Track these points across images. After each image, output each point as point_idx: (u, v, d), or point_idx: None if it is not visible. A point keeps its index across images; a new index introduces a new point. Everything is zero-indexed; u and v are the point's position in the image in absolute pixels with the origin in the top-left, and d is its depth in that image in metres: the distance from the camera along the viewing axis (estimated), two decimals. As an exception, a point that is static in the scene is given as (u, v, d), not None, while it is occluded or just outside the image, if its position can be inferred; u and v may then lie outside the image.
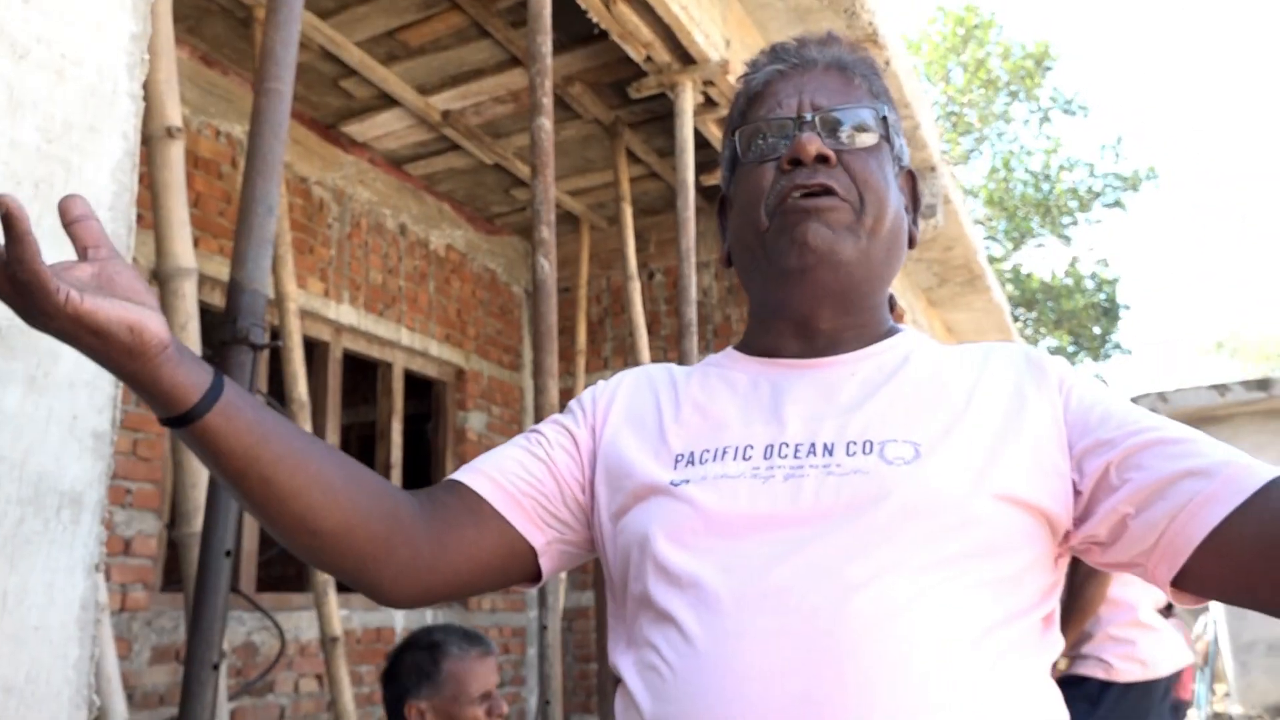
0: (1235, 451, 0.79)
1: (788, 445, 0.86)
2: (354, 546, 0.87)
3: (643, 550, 0.86)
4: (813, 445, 0.85)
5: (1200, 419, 10.87)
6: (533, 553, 0.95)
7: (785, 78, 0.97)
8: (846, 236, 0.89)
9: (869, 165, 0.92)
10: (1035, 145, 18.40)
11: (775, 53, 1.00)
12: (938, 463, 0.82)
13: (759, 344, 0.98)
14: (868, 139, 0.93)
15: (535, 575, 0.98)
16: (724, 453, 0.88)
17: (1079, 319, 16.95)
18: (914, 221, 1.01)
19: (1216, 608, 10.78)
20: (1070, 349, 17.29)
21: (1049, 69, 17.50)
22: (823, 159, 0.90)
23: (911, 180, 1.02)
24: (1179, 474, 0.77)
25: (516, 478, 0.95)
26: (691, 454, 0.89)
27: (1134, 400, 10.91)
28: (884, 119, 0.95)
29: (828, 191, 0.89)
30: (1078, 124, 29.41)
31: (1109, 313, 17.28)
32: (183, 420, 0.79)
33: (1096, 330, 17.26)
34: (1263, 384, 10.26)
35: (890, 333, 0.97)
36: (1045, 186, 17.55)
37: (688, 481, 0.87)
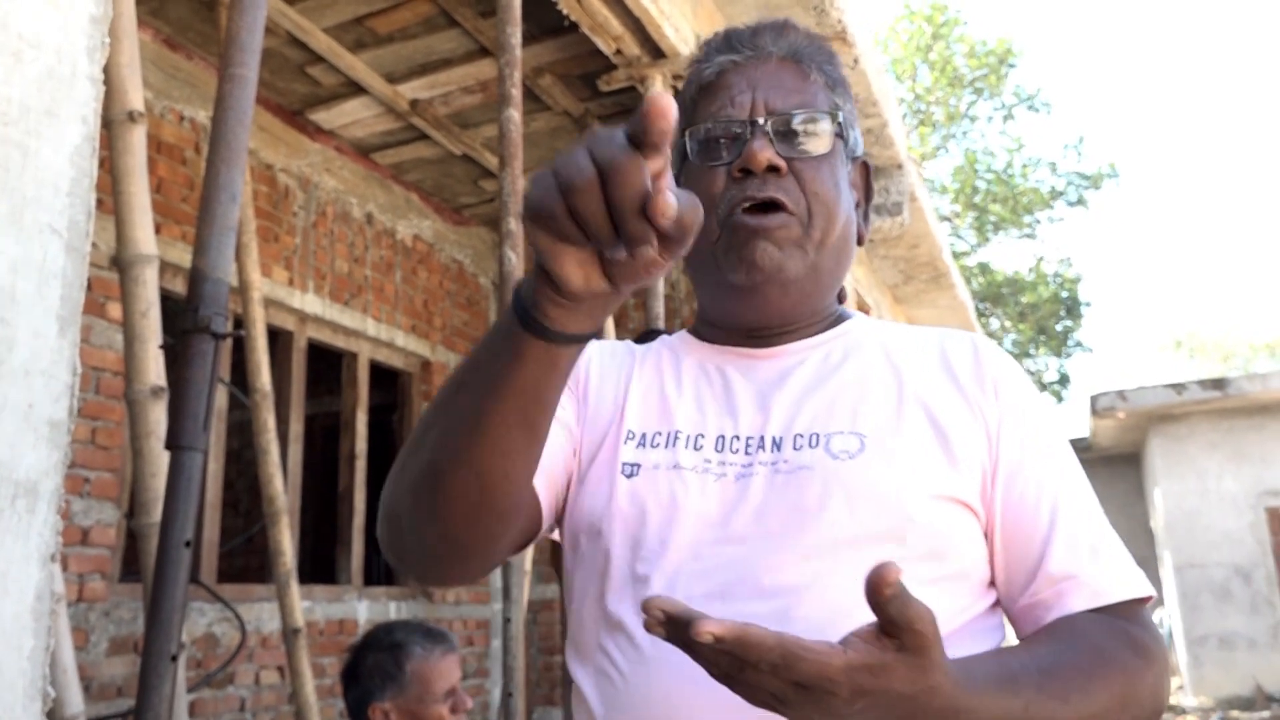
0: (1093, 550, 0.84)
1: (739, 439, 0.87)
2: (492, 530, 0.78)
3: (594, 545, 0.87)
4: (761, 439, 0.86)
5: (1157, 417, 11.06)
6: (537, 531, 0.92)
7: (739, 70, 0.93)
8: (794, 253, 0.88)
9: (820, 174, 0.90)
10: (999, 143, 18.61)
11: (729, 40, 0.96)
12: (882, 460, 0.83)
13: (708, 332, 0.98)
14: (821, 145, 0.91)
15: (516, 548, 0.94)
16: (675, 438, 0.89)
17: (1043, 313, 17.17)
18: (865, 216, 0.99)
19: (1171, 603, 10.99)
20: (1033, 345, 17.51)
21: (1012, 66, 17.68)
22: (773, 169, 0.88)
23: (865, 171, 1.00)
24: (1045, 573, 0.83)
25: (553, 462, 0.90)
26: (644, 435, 0.90)
27: (1094, 399, 11.02)
28: (838, 118, 0.92)
29: (776, 205, 0.88)
30: (1041, 121, 29.76)
31: (1071, 310, 17.52)
32: (591, 335, 0.68)
33: (1059, 328, 17.50)
34: (1218, 383, 10.45)
35: (839, 320, 0.97)
36: (1009, 184, 17.74)
37: (639, 467, 0.87)
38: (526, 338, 0.66)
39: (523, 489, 0.77)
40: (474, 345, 0.75)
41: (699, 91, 0.95)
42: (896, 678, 0.60)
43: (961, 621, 0.81)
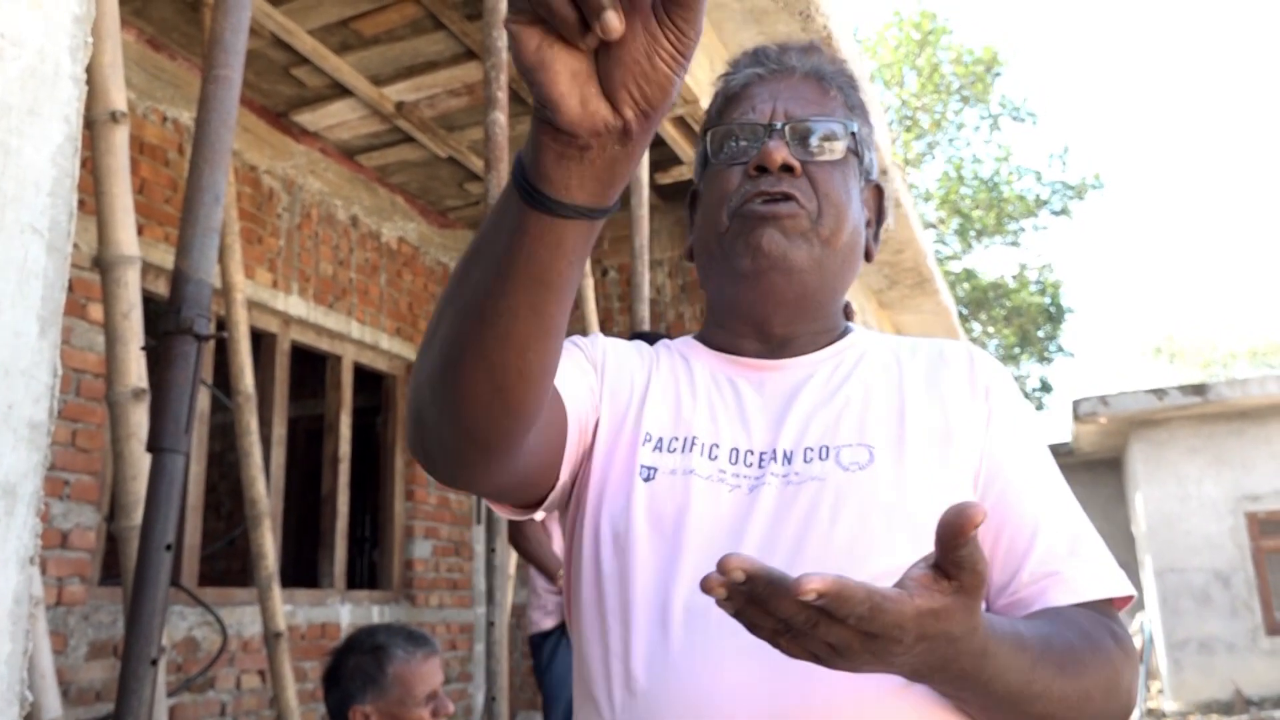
0: (1074, 544, 0.86)
1: (752, 452, 0.89)
2: (510, 429, 0.72)
3: (616, 554, 0.87)
4: (774, 452, 0.88)
5: (1138, 422, 11.14)
6: (551, 488, 0.89)
7: (763, 82, 0.98)
8: (800, 243, 0.91)
9: (833, 178, 0.94)
10: (986, 152, 18.74)
11: (756, 56, 1.01)
12: (891, 470, 0.85)
13: (717, 340, 0.99)
14: (835, 152, 0.94)
15: (528, 507, 0.92)
16: (691, 444, 0.90)
17: (1026, 317, 17.28)
18: (874, 236, 1.02)
19: (1151, 607, 11.06)
20: (1016, 349, 17.60)
21: (998, 75, 17.79)
22: (788, 168, 0.91)
23: (878, 194, 1.04)
24: (1030, 571, 0.85)
25: (581, 397, 0.89)
26: (660, 439, 0.91)
27: (1076, 404, 11.09)
28: (854, 133, 0.96)
29: (787, 199, 0.91)
30: (1026, 130, 29.96)
31: (1054, 316, 17.63)
32: (600, 211, 0.61)
33: (1041, 334, 17.60)
34: (1199, 389, 10.54)
35: (844, 334, 1.00)
36: (994, 192, 17.84)
37: (656, 471, 0.88)
38: (527, 211, 0.59)
39: (538, 386, 0.70)
40: (479, 231, 0.67)
41: (725, 101, 1.00)
42: (954, 620, 0.61)
43: None
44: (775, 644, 0.62)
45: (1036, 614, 0.82)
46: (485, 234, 0.65)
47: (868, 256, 1.01)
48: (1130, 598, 0.86)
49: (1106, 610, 0.84)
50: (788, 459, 0.87)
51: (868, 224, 1.01)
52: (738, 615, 0.60)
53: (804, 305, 0.94)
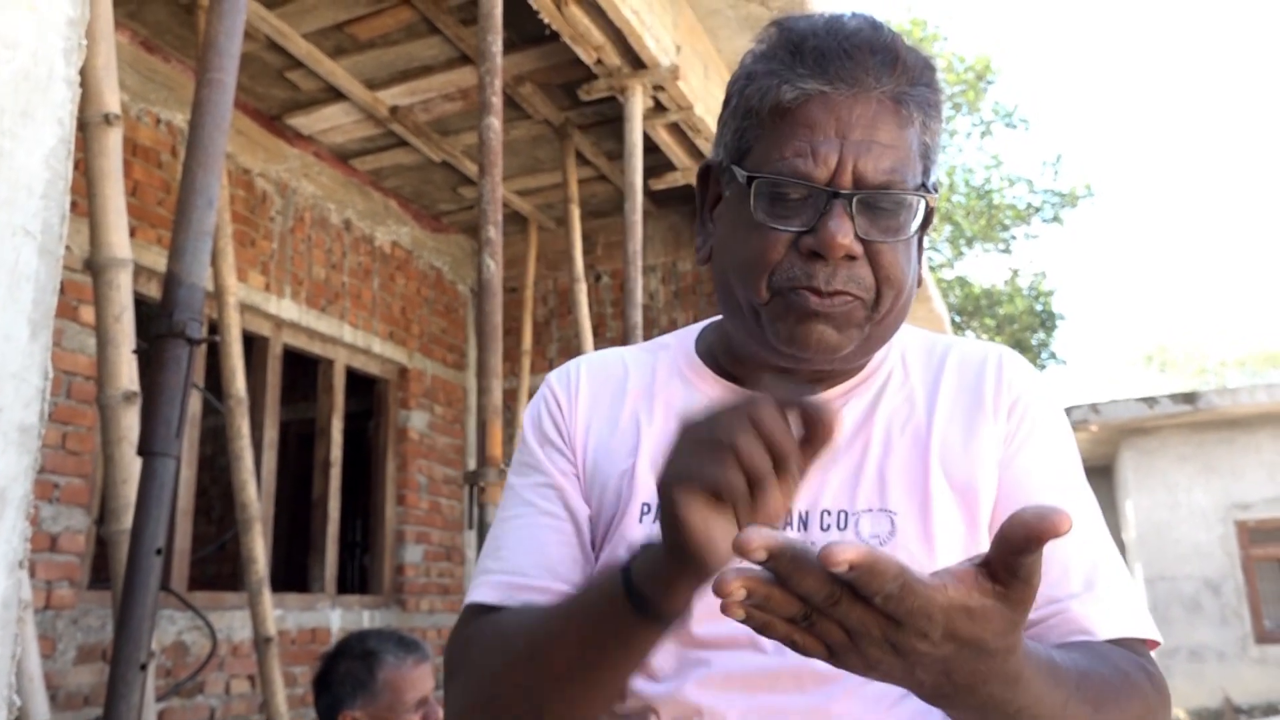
0: (1091, 576, 0.80)
1: None
2: None
3: None
4: (788, 514, 0.80)
5: (1129, 431, 11.17)
6: None
7: (827, 104, 0.78)
8: (852, 333, 0.81)
9: (899, 257, 0.80)
10: (978, 160, 18.80)
11: (821, 63, 0.78)
12: (915, 544, 0.79)
13: (729, 369, 0.91)
14: (906, 229, 0.80)
15: None
16: None
17: (1018, 325, 17.33)
18: (920, 256, 0.89)
19: (1142, 614, 11.09)
20: (1008, 359, 17.66)
21: (990, 83, 17.87)
22: (850, 257, 0.78)
23: (929, 215, 0.88)
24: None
25: (569, 572, 0.87)
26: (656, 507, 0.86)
27: (1067, 411, 11.11)
28: (929, 188, 0.82)
29: (844, 295, 0.79)
30: (1018, 137, 30.07)
31: (1045, 323, 17.69)
32: (671, 617, 0.68)
33: (1033, 341, 17.66)
34: (1189, 398, 10.58)
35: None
36: (986, 200, 17.91)
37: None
38: (646, 625, 0.67)
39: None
40: (567, 611, 0.74)
41: (771, 114, 0.80)
42: (991, 628, 0.56)
43: None
44: (789, 642, 0.58)
45: (1071, 645, 0.75)
46: (583, 631, 0.71)
47: (918, 284, 0.89)
48: (1156, 643, 0.79)
49: (1139, 649, 0.78)
50: (804, 523, 0.80)
51: (919, 252, 0.89)
52: (749, 618, 0.56)
53: (839, 368, 0.86)
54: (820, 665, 0.61)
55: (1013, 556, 0.53)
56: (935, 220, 0.97)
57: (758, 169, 0.80)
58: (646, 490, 0.84)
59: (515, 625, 0.79)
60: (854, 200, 0.77)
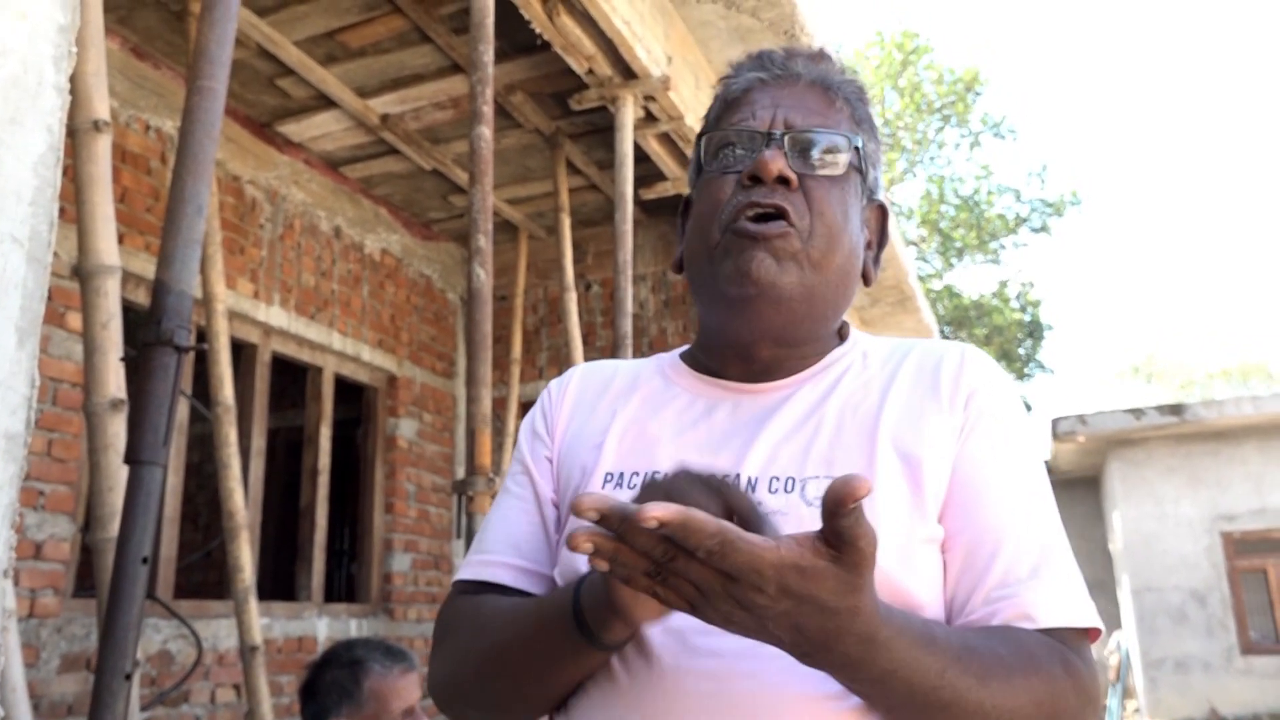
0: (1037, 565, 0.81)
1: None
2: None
3: (570, 569, 0.87)
4: (736, 478, 0.84)
5: (1116, 442, 11.23)
6: None
7: (765, 88, 0.93)
8: (790, 267, 0.87)
9: (830, 194, 0.89)
10: (966, 170, 18.90)
11: (760, 60, 0.96)
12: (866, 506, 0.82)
13: (705, 361, 0.97)
14: (836, 166, 0.90)
15: None
16: (651, 477, 0.87)
17: (1007, 335, 17.40)
18: (875, 259, 0.98)
19: (1128, 626, 11.13)
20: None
21: (979, 95, 17.97)
22: (783, 180, 0.87)
23: (881, 215, 0.99)
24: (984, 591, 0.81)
25: (541, 556, 0.94)
26: (621, 474, 0.90)
27: (1054, 422, 11.11)
28: (858, 148, 0.92)
29: (780, 214, 0.87)
30: (1006, 147, 30.23)
31: (1034, 332, 17.77)
32: (611, 647, 0.78)
33: (1022, 351, 17.73)
34: (1176, 409, 10.63)
35: (834, 348, 0.95)
36: (975, 211, 18.00)
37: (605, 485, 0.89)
38: (590, 648, 0.77)
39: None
40: (528, 619, 0.83)
41: (724, 105, 0.96)
42: (824, 587, 0.60)
43: None
44: (653, 594, 0.64)
45: (977, 627, 0.78)
46: (534, 645, 0.81)
47: (865, 280, 0.96)
48: (1097, 631, 0.81)
49: (1069, 639, 0.79)
50: (752, 487, 0.84)
51: (868, 246, 0.96)
52: (612, 570, 0.62)
53: (790, 333, 0.90)
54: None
55: (832, 521, 0.58)
56: (888, 231, 1.04)
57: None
58: (611, 461, 0.91)
59: (487, 617, 0.87)
60: (785, 138, 0.89)
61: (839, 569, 0.60)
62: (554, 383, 1.04)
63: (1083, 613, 0.80)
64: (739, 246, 0.87)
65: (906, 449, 0.84)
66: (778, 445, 0.86)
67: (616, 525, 0.59)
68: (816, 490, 0.82)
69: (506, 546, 0.94)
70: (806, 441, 0.86)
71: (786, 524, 0.80)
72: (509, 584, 0.92)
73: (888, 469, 0.83)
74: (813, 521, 0.78)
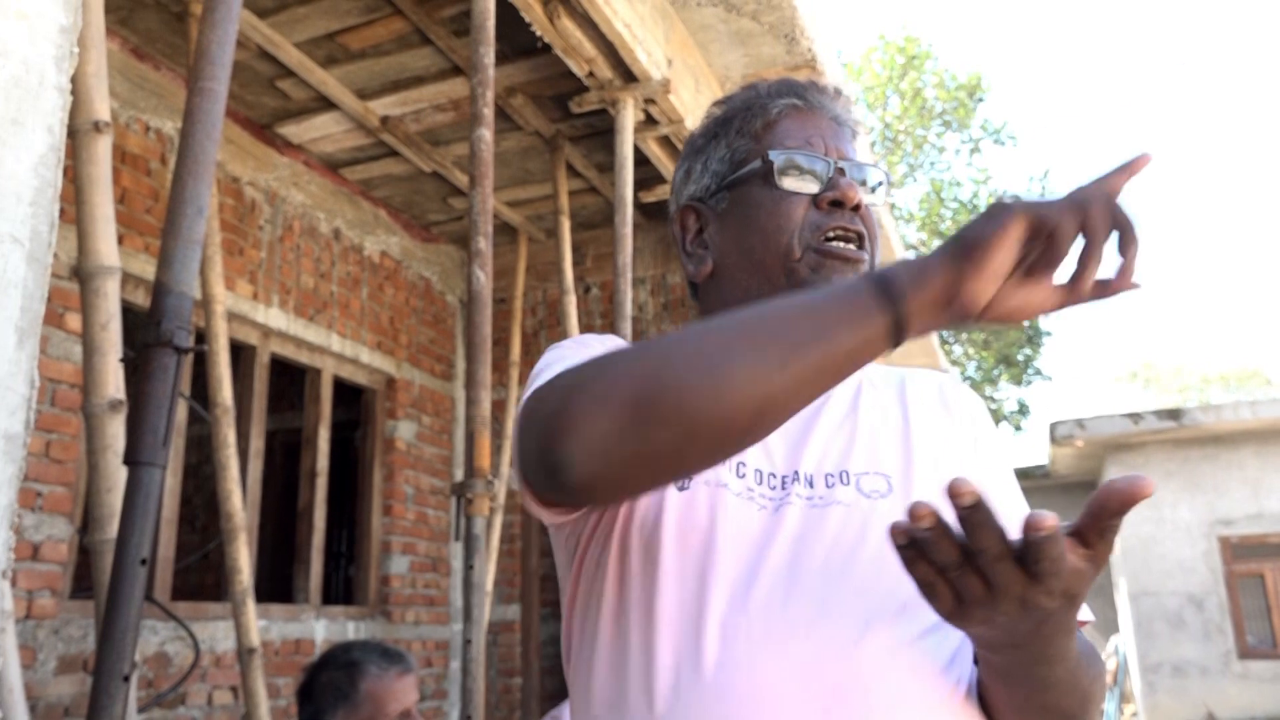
0: None
1: (775, 475, 0.90)
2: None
3: (646, 555, 0.85)
4: (796, 474, 0.90)
5: (1115, 446, 11.23)
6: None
7: (800, 115, 1.00)
8: None
9: (876, 223, 1.00)
10: (966, 174, 18.91)
11: (790, 87, 1.02)
12: (908, 500, 0.85)
13: None
14: (882, 198, 1.01)
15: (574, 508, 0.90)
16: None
17: (1005, 341, 17.40)
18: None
19: (1125, 630, 11.12)
20: (995, 372, 17.72)
21: (981, 100, 17.98)
22: (857, 208, 0.96)
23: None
24: None
25: None
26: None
27: (1053, 427, 11.13)
28: (891, 183, 1.03)
29: (860, 240, 0.96)
30: (1006, 151, 30.27)
31: (1032, 338, 17.77)
32: (909, 314, 0.70)
33: (1020, 357, 17.73)
34: (1174, 414, 10.64)
35: None
36: (974, 214, 17.99)
37: (691, 480, 0.87)
38: (880, 311, 0.70)
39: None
40: (799, 304, 0.72)
41: (764, 125, 1.00)
42: (1084, 586, 0.63)
43: (966, 648, 0.83)
44: (925, 584, 0.64)
45: None
46: (821, 327, 0.70)
47: None
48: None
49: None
50: (809, 482, 0.89)
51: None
52: (902, 550, 0.64)
53: None
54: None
55: (1106, 520, 0.60)
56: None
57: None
58: None
59: (694, 325, 0.75)
60: (849, 170, 0.97)
61: (1092, 567, 0.63)
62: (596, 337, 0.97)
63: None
64: (831, 266, 0.94)
65: (936, 454, 0.94)
66: (826, 443, 0.93)
67: (981, 517, 0.60)
68: (871, 485, 0.89)
69: None
70: (849, 440, 0.93)
71: (851, 514, 0.86)
72: None
73: (924, 465, 0.92)
74: (874, 515, 0.86)
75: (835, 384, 0.72)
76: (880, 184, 1.01)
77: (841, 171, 0.97)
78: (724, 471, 0.89)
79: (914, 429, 0.95)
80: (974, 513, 0.60)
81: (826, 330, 0.70)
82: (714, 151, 1.02)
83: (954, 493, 0.59)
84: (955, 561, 0.62)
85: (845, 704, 0.76)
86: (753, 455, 0.91)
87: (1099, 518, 0.61)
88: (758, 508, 0.87)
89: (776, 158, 0.97)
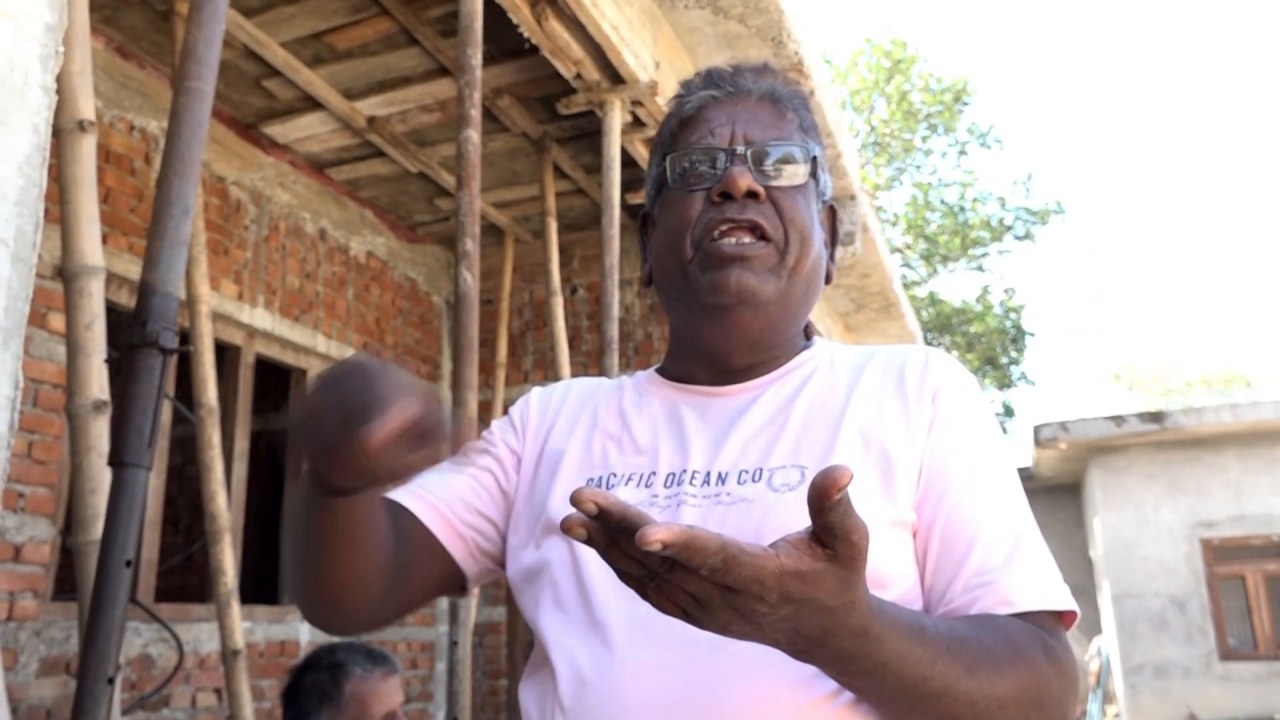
0: (1011, 553, 0.83)
1: (686, 473, 0.89)
2: (355, 596, 0.89)
3: (540, 577, 0.90)
4: (708, 474, 0.88)
5: (1097, 448, 11.30)
6: (464, 578, 0.99)
7: (719, 105, 0.97)
8: (768, 279, 0.91)
9: (796, 203, 0.93)
10: (952, 177, 19.02)
11: (710, 78, 0.99)
12: None
13: (675, 370, 1.01)
14: (796, 176, 0.94)
15: (461, 591, 1.02)
16: (628, 479, 0.91)
17: (990, 342, 17.48)
18: (831, 257, 1.02)
19: (1109, 632, 11.19)
20: (979, 373, 17.80)
21: (966, 104, 18.07)
22: (752, 194, 0.91)
23: (832, 215, 1.04)
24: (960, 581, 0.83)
25: (462, 509, 0.97)
26: (599, 479, 0.93)
27: (1036, 429, 11.16)
28: (813, 156, 0.96)
29: (755, 229, 0.90)
30: (992, 156, 30.44)
31: (1016, 340, 17.86)
32: (352, 490, 0.78)
33: (1005, 358, 17.81)
34: (1156, 416, 10.71)
35: (801, 351, 0.99)
36: (960, 218, 18.08)
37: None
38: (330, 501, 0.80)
39: (370, 576, 0.87)
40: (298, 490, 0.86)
41: (680, 124, 0.99)
42: (824, 588, 0.60)
43: None
44: (644, 595, 0.61)
45: (961, 616, 0.80)
46: (300, 504, 0.84)
47: (828, 279, 1.00)
48: (1073, 614, 0.83)
49: (1046, 623, 0.81)
50: (721, 480, 0.87)
51: (825, 245, 1.01)
52: (605, 558, 0.60)
53: (766, 337, 0.94)
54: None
55: (821, 518, 0.57)
56: (841, 226, 1.10)
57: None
58: (581, 464, 0.95)
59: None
60: (749, 153, 0.92)
61: (836, 568, 0.59)
62: (536, 389, 1.07)
63: (1059, 596, 0.82)
64: (716, 264, 0.90)
65: (872, 438, 0.87)
66: (748, 441, 0.90)
67: (616, 524, 0.57)
68: (783, 478, 0.85)
69: (440, 493, 0.96)
70: (774, 436, 0.90)
71: (752, 510, 0.83)
72: (430, 527, 0.95)
73: (851, 454, 0.86)
74: (779, 508, 0.83)
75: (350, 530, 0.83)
76: (788, 162, 0.94)
77: (734, 158, 0.92)
78: (630, 488, 0.90)
79: (850, 413, 0.89)
80: (603, 519, 0.57)
81: (301, 513, 0.87)
82: (653, 161, 1.02)
83: (575, 501, 0.57)
84: (643, 573, 0.60)
85: (705, 709, 0.76)
86: (665, 459, 0.91)
87: (815, 515, 0.58)
88: (658, 510, 0.87)
89: (670, 159, 0.96)
